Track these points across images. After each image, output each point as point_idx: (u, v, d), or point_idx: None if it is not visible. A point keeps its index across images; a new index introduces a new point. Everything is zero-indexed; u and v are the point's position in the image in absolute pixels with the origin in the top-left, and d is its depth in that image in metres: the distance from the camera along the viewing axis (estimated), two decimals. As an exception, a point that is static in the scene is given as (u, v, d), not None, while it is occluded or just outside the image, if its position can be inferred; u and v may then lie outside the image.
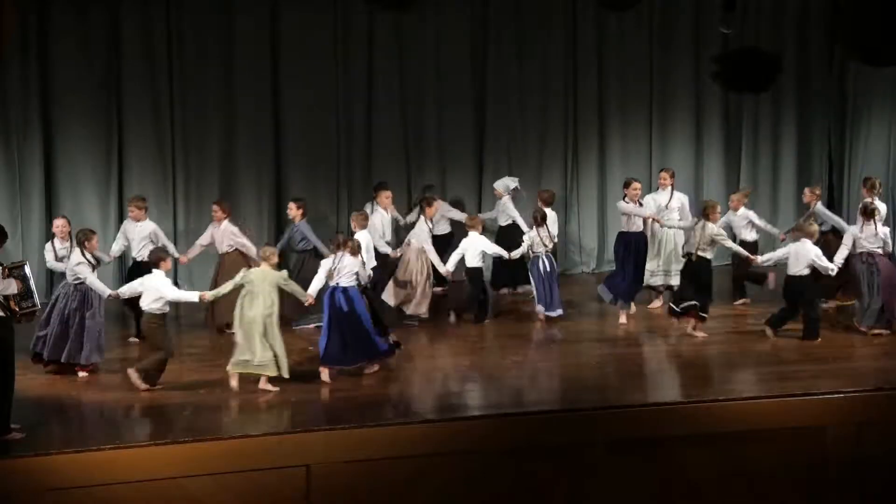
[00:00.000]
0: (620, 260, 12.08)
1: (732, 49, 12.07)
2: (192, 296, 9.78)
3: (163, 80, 13.45)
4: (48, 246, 10.29)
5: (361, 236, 10.84)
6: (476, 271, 11.87)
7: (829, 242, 11.79)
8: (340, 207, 14.18)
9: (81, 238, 9.79)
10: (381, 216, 12.41)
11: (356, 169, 14.36)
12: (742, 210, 12.53)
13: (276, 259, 9.63)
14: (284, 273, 9.69)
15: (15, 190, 12.89)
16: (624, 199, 12.21)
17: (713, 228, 10.95)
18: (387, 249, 12.07)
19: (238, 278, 9.50)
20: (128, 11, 13.18)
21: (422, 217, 12.21)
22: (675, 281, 11.80)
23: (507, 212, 13.25)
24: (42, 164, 13.05)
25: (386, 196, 12.62)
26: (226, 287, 9.64)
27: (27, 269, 8.31)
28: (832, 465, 8.89)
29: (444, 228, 13.22)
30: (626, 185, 12.29)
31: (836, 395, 9.08)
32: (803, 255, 10.76)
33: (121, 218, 13.22)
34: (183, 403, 8.92)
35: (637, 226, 12.06)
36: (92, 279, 9.71)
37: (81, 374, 9.72)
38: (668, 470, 8.68)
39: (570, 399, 9.37)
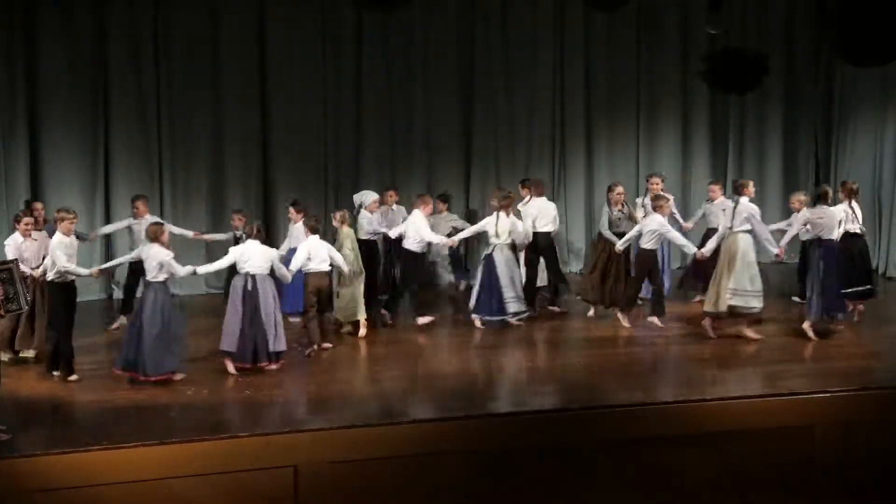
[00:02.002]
0: (820, 272, 10.86)
1: (718, 49, 12.10)
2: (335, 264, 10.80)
3: (149, 80, 13.47)
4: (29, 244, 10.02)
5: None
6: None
7: None
8: (329, 206, 14.18)
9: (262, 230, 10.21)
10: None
11: (344, 167, 14.41)
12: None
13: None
14: None
15: (0, 190, 12.83)
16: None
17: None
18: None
19: (349, 245, 11.07)
20: (114, 11, 13.18)
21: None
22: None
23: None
24: (28, 164, 13.02)
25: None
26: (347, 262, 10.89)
27: (14, 272, 8.19)
28: (820, 463, 8.92)
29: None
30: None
31: (823, 395, 9.10)
32: None
33: (107, 218, 13.27)
34: (170, 404, 8.89)
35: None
36: (285, 271, 10.17)
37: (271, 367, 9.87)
38: (658, 469, 8.68)
39: (560, 399, 9.37)
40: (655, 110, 15.51)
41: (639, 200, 12.93)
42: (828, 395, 9.10)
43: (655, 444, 8.68)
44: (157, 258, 9.44)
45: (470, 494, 8.36)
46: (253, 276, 9.80)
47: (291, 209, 12.01)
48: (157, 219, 11.73)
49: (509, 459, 8.44)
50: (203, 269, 10.25)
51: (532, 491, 8.47)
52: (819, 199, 11.13)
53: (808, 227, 11.21)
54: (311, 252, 10.56)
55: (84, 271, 9.70)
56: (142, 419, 8.61)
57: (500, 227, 11.52)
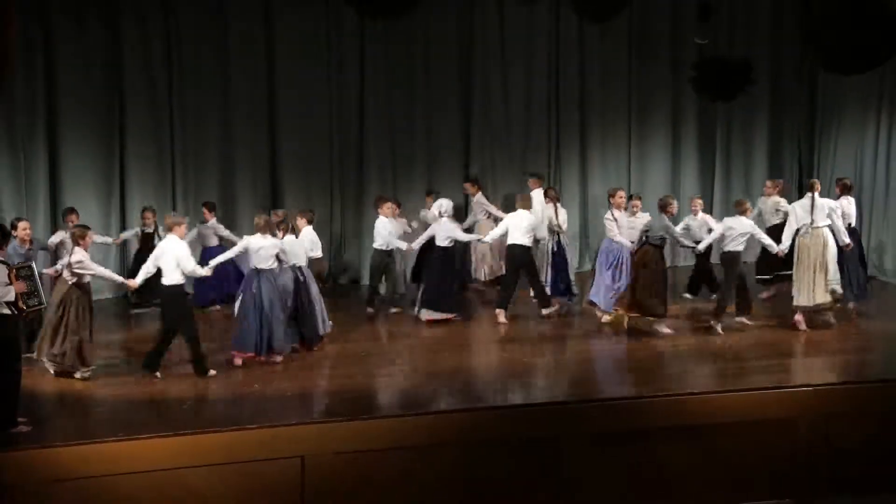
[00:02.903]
0: (855, 256, 12.13)
1: (705, 58, 12.40)
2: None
3: (162, 88, 13.73)
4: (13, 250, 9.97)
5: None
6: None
7: None
8: (333, 209, 14.53)
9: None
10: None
11: (347, 167, 14.67)
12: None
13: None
14: None
15: (21, 195, 13.04)
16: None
17: None
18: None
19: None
20: (127, 22, 13.44)
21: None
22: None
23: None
24: (46, 169, 13.24)
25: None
26: None
27: (34, 271, 8.56)
28: (803, 455, 9.16)
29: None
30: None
31: (806, 389, 9.35)
32: None
33: (123, 221, 13.54)
34: (182, 397, 9.15)
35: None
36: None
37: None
38: (647, 461, 8.91)
39: (556, 392, 9.62)
40: (646, 116, 15.79)
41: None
42: (810, 388, 9.36)
43: (645, 437, 8.92)
44: (276, 247, 10.09)
45: (470, 484, 8.58)
46: (300, 268, 10.49)
47: (204, 209, 13.02)
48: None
49: (508, 450, 8.66)
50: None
51: (530, 481, 8.70)
52: (845, 189, 12.09)
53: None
54: (312, 241, 10.98)
55: (203, 272, 10.02)
56: (156, 411, 8.89)
57: (560, 218, 12.92)
